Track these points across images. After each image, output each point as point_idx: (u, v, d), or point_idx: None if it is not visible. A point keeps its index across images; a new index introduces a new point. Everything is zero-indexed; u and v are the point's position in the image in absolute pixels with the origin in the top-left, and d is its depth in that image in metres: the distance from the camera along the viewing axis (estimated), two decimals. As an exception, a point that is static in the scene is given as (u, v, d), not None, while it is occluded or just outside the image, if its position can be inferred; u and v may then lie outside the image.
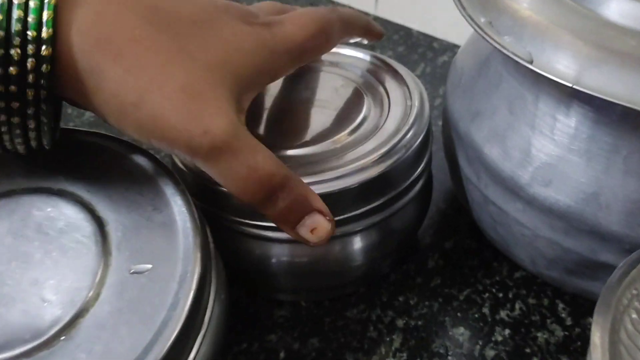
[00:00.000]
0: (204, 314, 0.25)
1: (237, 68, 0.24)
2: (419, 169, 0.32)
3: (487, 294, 0.34)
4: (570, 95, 0.25)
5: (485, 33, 0.25)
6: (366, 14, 0.60)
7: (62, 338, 0.22)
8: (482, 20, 0.26)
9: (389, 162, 0.29)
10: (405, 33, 0.57)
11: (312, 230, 0.25)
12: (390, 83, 0.34)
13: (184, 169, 0.30)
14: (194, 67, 0.23)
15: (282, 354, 0.32)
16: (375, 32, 0.33)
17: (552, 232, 0.28)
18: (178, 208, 0.26)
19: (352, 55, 0.37)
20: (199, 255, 0.24)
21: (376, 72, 0.35)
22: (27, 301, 0.23)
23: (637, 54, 0.23)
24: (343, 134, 0.31)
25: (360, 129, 0.31)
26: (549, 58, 0.24)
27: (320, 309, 0.34)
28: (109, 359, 0.21)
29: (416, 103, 0.32)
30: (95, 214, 0.26)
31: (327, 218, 0.25)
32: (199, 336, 0.24)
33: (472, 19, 0.26)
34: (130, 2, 0.23)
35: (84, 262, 0.24)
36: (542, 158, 0.27)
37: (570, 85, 0.22)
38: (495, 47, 0.25)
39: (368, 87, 0.34)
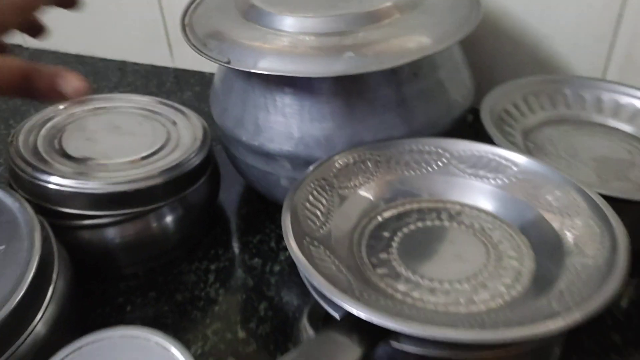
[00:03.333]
0: (48, 287, 0.35)
1: None
2: (204, 169, 0.46)
3: (272, 234, 0.48)
4: (267, 81, 0.41)
5: (202, 52, 0.40)
6: (165, 67, 0.74)
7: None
8: (205, 46, 0.41)
9: (181, 170, 0.43)
10: (199, 76, 0.72)
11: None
12: (181, 121, 0.49)
13: (22, 174, 0.41)
14: None
15: (128, 308, 0.43)
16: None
17: (285, 170, 0.43)
18: (18, 210, 0.37)
19: (150, 106, 0.50)
20: (38, 239, 0.35)
21: (172, 115, 0.50)
22: None
23: (288, 46, 0.39)
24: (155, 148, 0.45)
25: (165, 148, 0.45)
26: (240, 59, 0.39)
27: (154, 273, 0.45)
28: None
29: (200, 133, 0.47)
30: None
31: (77, 76, 0.30)
32: (44, 302, 0.35)
33: (197, 49, 0.41)
34: None
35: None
36: (267, 125, 0.42)
37: (249, 70, 0.38)
38: (207, 57, 0.40)
39: (166, 123, 0.48)
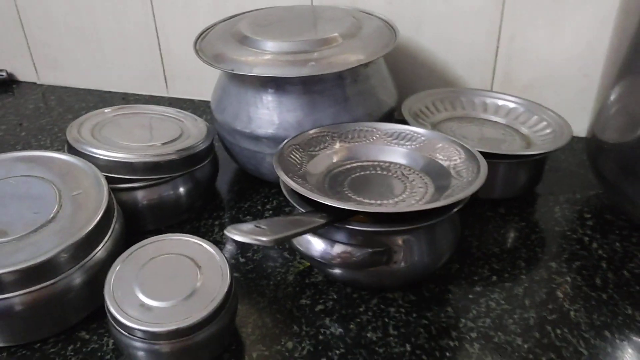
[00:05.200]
0: (109, 225, 0.52)
1: None
2: (209, 153, 0.64)
3: (258, 201, 0.66)
4: (256, 84, 0.60)
5: (214, 65, 0.59)
6: (161, 97, 0.93)
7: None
8: (215, 62, 0.60)
9: (191, 151, 0.61)
10: (190, 103, 0.91)
11: None
12: (190, 122, 0.67)
13: (80, 150, 0.58)
14: None
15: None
16: None
17: (269, 149, 0.62)
18: (88, 169, 0.54)
19: (167, 112, 0.69)
20: (106, 189, 0.52)
21: (181, 117, 0.68)
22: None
23: (270, 60, 0.58)
24: (173, 138, 0.63)
25: (179, 138, 0.63)
26: (240, 68, 0.58)
27: (172, 228, 0.62)
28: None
29: (204, 129, 0.65)
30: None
31: None
32: (108, 233, 0.51)
33: (210, 64, 0.60)
34: None
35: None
36: (256, 117, 0.61)
37: (247, 74, 0.57)
38: (218, 68, 0.59)
39: (180, 121, 0.66)
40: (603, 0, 0.67)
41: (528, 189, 0.65)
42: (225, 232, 0.40)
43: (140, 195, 0.60)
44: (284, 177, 0.50)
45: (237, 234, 0.39)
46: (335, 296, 0.52)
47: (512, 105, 0.70)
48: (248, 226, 0.40)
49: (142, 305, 0.44)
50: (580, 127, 0.66)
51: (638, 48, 0.50)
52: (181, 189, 0.63)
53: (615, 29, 0.56)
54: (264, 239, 0.39)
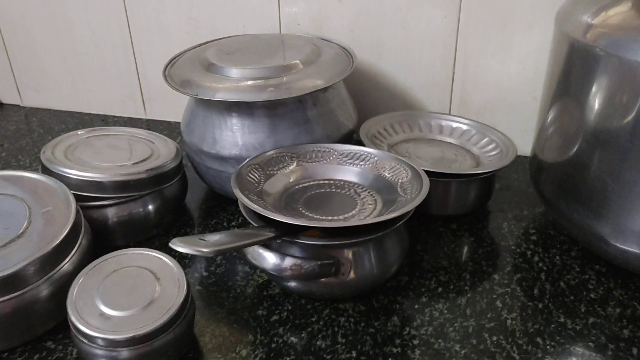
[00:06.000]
0: (76, 240, 0.55)
1: None
2: (177, 172, 0.67)
3: (224, 219, 0.70)
4: (221, 108, 0.64)
5: (180, 90, 0.63)
6: (139, 118, 0.96)
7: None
8: (181, 87, 0.64)
9: (160, 170, 0.64)
10: (167, 124, 0.94)
11: None
12: (161, 143, 0.70)
13: (53, 169, 0.61)
14: None
15: (124, 262, 0.62)
16: None
17: (233, 168, 0.65)
18: (58, 188, 0.58)
19: (139, 134, 0.72)
20: (74, 207, 0.56)
21: (152, 138, 0.71)
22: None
23: (234, 86, 0.62)
24: (143, 158, 0.66)
25: (149, 158, 0.67)
26: (204, 93, 0.62)
27: (140, 244, 0.65)
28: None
29: (174, 149, 0.68)
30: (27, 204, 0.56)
31: None
32: (74, 248, 0.54)
33: (176, 89, 0.64)
34: None
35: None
36: (221, 138, 0.65)
37: (210, 98, 0.61)
38: (184, 93, 0.63)
39: (151, 142, 0.70)
40: (546, 27, 0.71)
41: (479, 205, 0.68)
42: (170, 244, 0.44)
43: (110, 212, 0.64)
44: (239, 195, 0.53)
45: (180, 245, 0.43)
46: (290, 307, 0.56)
47: (465, 127, 0.74)
48: (190, 238, 0.44)
49: (102, 314, 0.47)
50: (529, 147, 0.70)
51: (568, 73, 0.55)
52: (150, 206, 0.66)
53: (550, 56, 0.60)
54: (204, 250, 0.42)
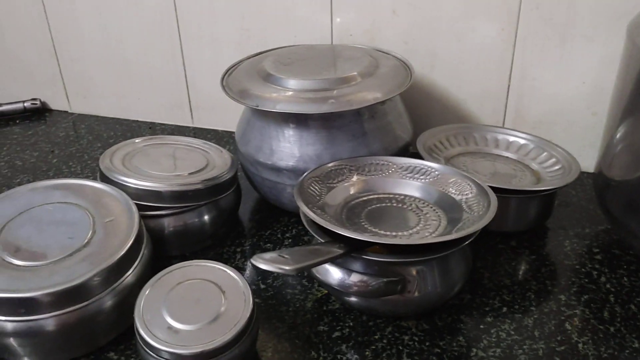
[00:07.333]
0: (139, 251, 0.55)
1: None
2: (233, 183, 0.67)
3: (278, 230, 0.69)
4: (278, 119, 0.64)
5: (240, 100, 0.63)
6: (186, 126, 0.97)
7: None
8: (240, 98, 0.64)
9: (216, 181, 0.64)
10: (214, 133, 0.95)
11: None
12: (215, 153, 0.70)
13: (112, 178, 0.61)
14: None
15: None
16: None
17: (290, 180, 0.65)
18: (120, 197, 0.58)
19: (193, 143, 0.72)
20: (137, 217, 0.56)
21: (207, 148, 0.71)
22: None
23: (293, 97, 0.62)
24: (199, 168, 0.66)
25: (205, 168, 0.67)
26: (264, 104, 0.62)
27: (196, 255, 0.65)
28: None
29: (229, 160, 0.68)
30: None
31: None
32: (137, 259, 0.55)
33: (235, 99, 0.64)
34: None
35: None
36: (278, 149, 0.65)
37: (271, 110, 0.60)
38: (243, 103, 0.62)
39: (206, 152, 0.70)
40: (608, 42, 0.69)
41: (538, 222, 0.67)
42: (251, 260, 0.43)
43: (166, 222, 0.64)
44: (304, 208, 0.53)
45: (262, 263, 0.42)
46: (351, 323, 0.55)
47: (522, 141, 0.72)
48: (272, 255, 0.43)
49: (170, 328, 0.46)
50: (588, 163, 0.69)
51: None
52: (206, 217, 0.66)
53: (619, 70, 0.59)
54: (287, 267, 0.42)
